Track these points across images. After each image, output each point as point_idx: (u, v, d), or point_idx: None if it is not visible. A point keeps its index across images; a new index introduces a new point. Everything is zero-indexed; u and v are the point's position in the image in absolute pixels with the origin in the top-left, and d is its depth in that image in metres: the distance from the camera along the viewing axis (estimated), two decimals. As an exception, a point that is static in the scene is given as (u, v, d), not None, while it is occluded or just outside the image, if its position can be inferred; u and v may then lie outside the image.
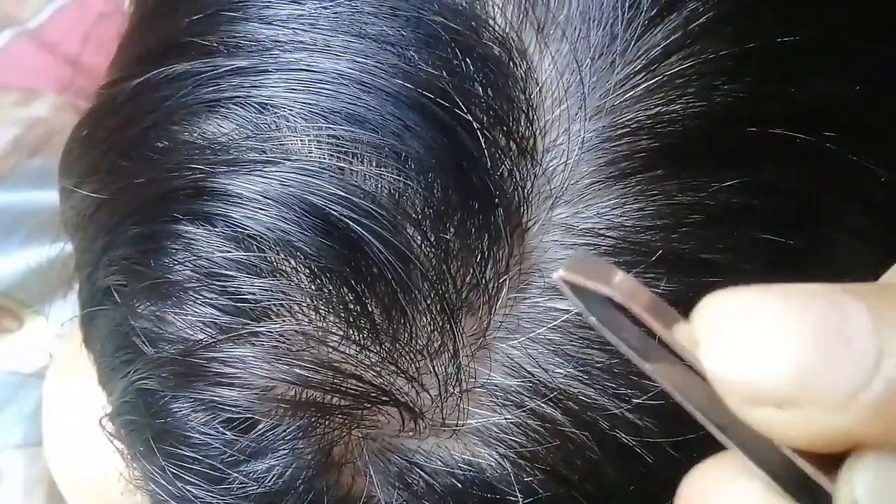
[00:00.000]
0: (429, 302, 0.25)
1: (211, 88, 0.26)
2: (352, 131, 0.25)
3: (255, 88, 0.25)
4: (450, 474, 0.26)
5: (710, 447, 0.25)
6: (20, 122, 0.56)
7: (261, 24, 0.26)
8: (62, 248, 0.51)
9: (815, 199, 0.26)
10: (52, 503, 0.50)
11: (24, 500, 0.50)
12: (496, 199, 0.24)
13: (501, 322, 0.25)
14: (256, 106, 0.25)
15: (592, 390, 0.25)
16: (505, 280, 0.25)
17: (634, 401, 0.25)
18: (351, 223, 0.24)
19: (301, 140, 0.25)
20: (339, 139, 0.25)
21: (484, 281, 0.25)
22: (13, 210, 0.52)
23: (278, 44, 0.26)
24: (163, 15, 0.29)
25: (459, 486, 0.26)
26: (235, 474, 0.26)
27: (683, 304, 0.24)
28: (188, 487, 0.26)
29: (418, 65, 0.25)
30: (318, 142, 0.25)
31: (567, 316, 0.25)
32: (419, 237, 0.25)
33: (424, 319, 0.25)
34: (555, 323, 0.25)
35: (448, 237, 0.25)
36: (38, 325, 0.53)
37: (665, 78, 0.25)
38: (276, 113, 0.25)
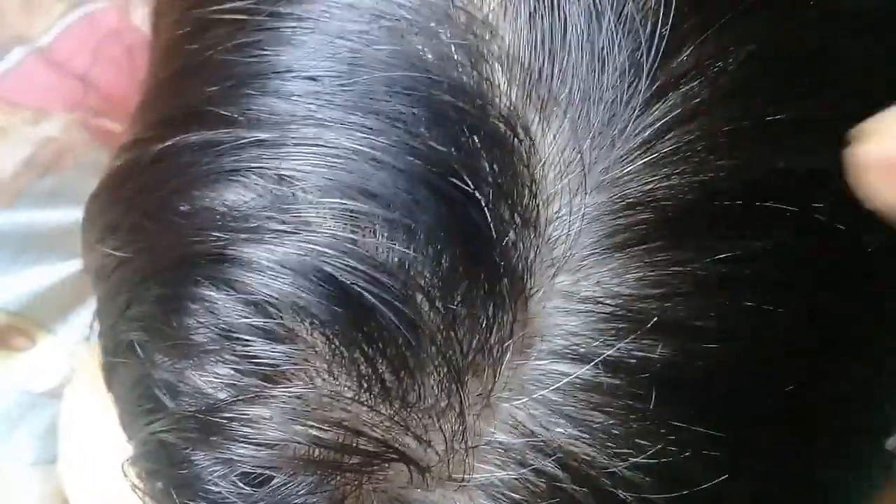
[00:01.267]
0: (436, 364, 0.26)
1: (232, 158, 0.27)
2: (365, 205, 0.26)
3: (274, 160, 0.27)
4: None
5: (702, 501, 0.26)
6: (31, 142, 0.57)
7: (278, 98, 0.27)
8: (74, 267, 0.52)
9: (804, 267, 0.27)
10: (63, 520, 0.51)
11: (37, 518, 0.51)
12: (501, 269, 0.26)
13: (505, 384, 0.27)
14: (275, 177, 0.27)
15: (592, 449, 0.26)
16: (509, 345, 0.26)
17: (632, 459, 0.26)
18: (363, 291, 0.26)
19: (317, 211, 0.26)
20: (352, 212, 0.26)
21: (489, 345, 0.26)
22: (25, 229, 0.53)
23: (295, 118, 0.27)
24: (185, 81, 0.30)
25: None
26: None
27: (677, 371, 0.26)
28: None
29: (428, 142, 0.26)
30: (333, 214, 0.26)
31: (568, 379, 0.26)
32: (427, 305, 0.26)
33: (432, 381, 0.26)
34: (556, 385, 0.26)
35: (455, 305, 0.26)
36: (50, 344, 0.53)
37: (662, 154, 0.26)
38: (293, 185, 0.27)
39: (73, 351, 0.51)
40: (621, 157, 0.26)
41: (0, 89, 0.58)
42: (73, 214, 0.53)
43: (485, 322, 0.26)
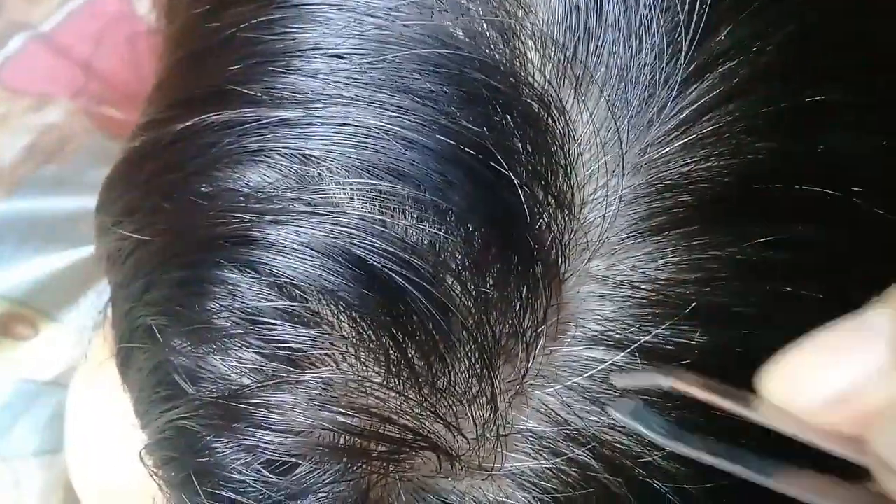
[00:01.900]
0: (467, 349, 0.25)
1: (256, 138, 0.27)
2: (394, 185, 0.25)
3: (299, 140, 0.26)
4: None
5: (740, 493, 0.26)
6: (34, 129, 0.56)
7: (305, 76, 0.26)
8: (78, 254, 0.52)
9: (844, 253, 0.27)
10: (67, 511, 0.50)
11: (40, 508, 0.50)
12: (535, 252, 0.25)
13: (538, 370, 0.26)
14: (301, 157, 0.26)
15: (626, 438, 0.26)
16: (542, 330, 0.26)
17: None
18: (393, 274, 0.25)
19: (345, 192, 0.26)
20: (381, 193, 0.25)
21: (521, 330, 0.26)
22: (27, 217, 0.52)
23: (322, 97, 0.26)
24: (205, 60, 0.29)
25: None
26: None
27: (716, 357, 0.25)
28: None
29: (460, 121, 0.25)
30: (361, 195, 0.26)
31: (603, 365, 0.26)
32: (459, 288, 0.25)
33: (463, 366, 0.26)
34: (590, 372, 0.26)
35: (487, 288, 0.25)
36: (53, 332, 0.53)
37: (700, 136, 0.25)
38: (320, 165, 0.26)
39: (79, 339, 0.51)
40: (659, 138, 0.25)
41: (0, 76, 0.57)
42: (76, 202, 0.53)
43: (518, 306, 0.25)
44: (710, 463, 0.21)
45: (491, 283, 0.25)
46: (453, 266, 0.25)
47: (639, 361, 0.25)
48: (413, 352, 0.25)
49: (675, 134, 0.25)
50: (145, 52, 0.60)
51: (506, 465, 0.26)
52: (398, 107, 0.26)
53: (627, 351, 0.25)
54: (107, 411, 0.35)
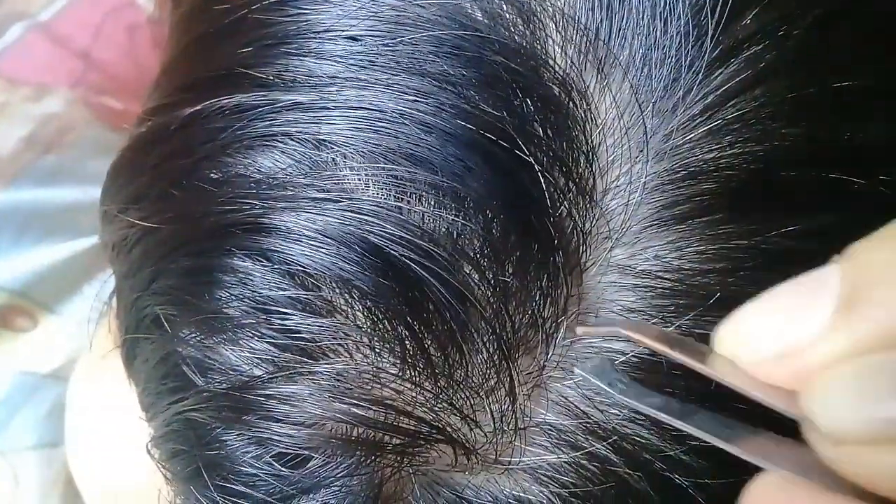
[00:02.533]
0: (485, 340, 0.25)
1: (268, 122, 0.26)
2: (411, 171, 0.25)
3: (312, 125, 0.25)
4: None
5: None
6: (33, 119, 0.56)
7: (318, 59, 0.26)
8: (77, 246, 0.51)
9: None
10: (67, 505, 0.50)
11: (40, 502, 0.50)
12: (555, 240, 0.25)
13: (558, 362, 0.25)
14: (315, 142, 0.25)
15: (647, 431, 0.25)
16: (562, 320, 0.25)
17: (689, 442, 0.25)
18: (410, 262, 0.24)
19: (360, 178, 0.25)
20: (398, 178, 0.25)
21: (541, 321, 0.25)
22: (26, 208, 0.52)
23: (337, 80, 0.25)
24: (215, 42, 0.28)
25: None
26: None
27: None
28: None
29: (479, 105, 0.25)
30: (377, 181, 0.25)
31: (624, 357, 0.25)
32: (477, 276, 0.25)
33: (481, 357, 0.25)
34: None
35: (506, 277, 0.25)
36: (53, 324, 0.52)
37: (725, 121, 0.25)
38: (334, 150, 0.25)
39: (79, 332, 0.50)
40: (683, 123, 0.25)
41: (-1, 65, 0.56)
42: (75, 193, 0.52)
43: (537, 296, 0.25)
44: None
45: (510, 271, 0.25)
46: (471, 254, 0.25)
47: (660, 357, 0.25)
48: (429, 342, 0.25)
49: (700, 119, 0.25)
50: (145, 42, 0.60)
51: (523, 458, 0.26)
52: (415, 90, 0.25)
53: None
54: (109, 405, 0.34)
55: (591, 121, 0.25)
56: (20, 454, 0.50)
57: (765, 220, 0.25)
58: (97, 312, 0.36)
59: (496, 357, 0.25)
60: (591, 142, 0.25)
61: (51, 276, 0.51)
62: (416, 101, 0.25)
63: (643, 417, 0.25)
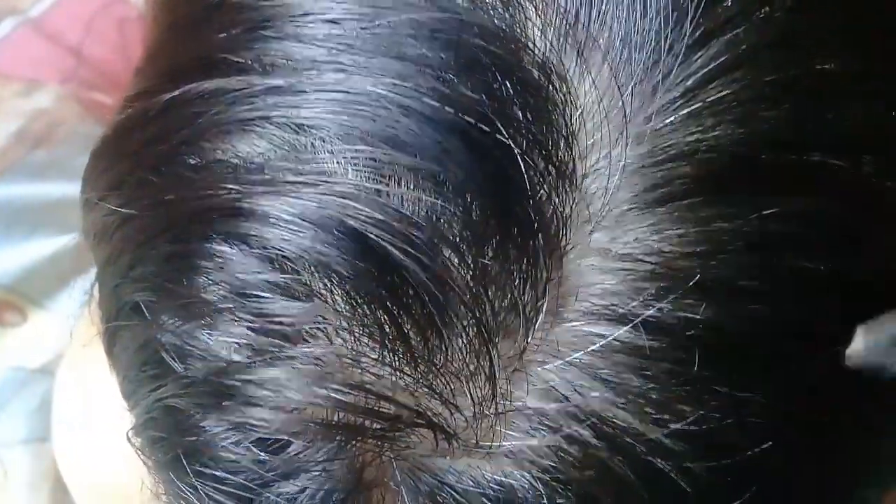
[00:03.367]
0: (465, 324, 0.25)
1: (246, 107, 0.26)
2: (390, 154, 0.24)
3: (291, 109, 0.25)
4: (481, 494, 0.26)
5: (743, 470, 0.25)
6: (22, 114, 0.56)
7: (297, 43, 0.26)
8: (67, 241, 0.51)
9: (852, 226, 0.26)
10: (57, 500, 0.50)
11: (29, 497, 0.50)
12: (535, 224, 0.24)
13: (538, 346, 0.25)
14: (293, 126, 0.25)
15: (629, 415, 0.25)
16: (542, 304, 0.25)
17: (671, 426, 0.25)
18: (388, 245, 0.24)
19: (338, 161, 0.25)
20: (376, 162, 0.25)
21: (521, 305, 0.25)
22: (16, 203, 0.52)
23: (315, 64, 0.25)
24: (194, 28, 0.28)
25: None
26: (266, 495, 0.26)
27: (722, 332, 0.24)
28: None
29: (458, 89, 0.24)
30: (356, 164, 0.25)
31: (605, 340, 0.25)
32: (456, 260, 0.24)
33: (460, 342, 0.25)
34: (592, 347, 0.25)
35: (486, 261, 0.24)
36: (42, 319, 0.52)
37: (705, 104, 0.25)
38: (312, 134, 0.25)
39: (68, 327, 0.50)
40: (663, 106, 0.25)
41: (-10, 61, 0.56)
42: (65, 189, 0.52)
43: (517, 280, 0.25)
44: None
45: (490, 255, 0.24)
46: (451, 237, 0.24)
47: (641, 337, 0.25)
48: (409, 326, 0.25)
49: (680, 102, 0.25)
50: (136, 37, 0.59)
51: (504, 443, 0.25)
52: (394, 73, 0.25)
53: (630, 326, 0.25)
54: (92, 395, 0.34)
55: (571, 104, 0.25)
56: (10, 448, 0.50)
57: (745, 203, 0.25)
58: (84, 306, 0.36)
59: (476, 341, 0.25)
60: (571, 125, 0.25)
61: (40, 271, 0.51)
62: (394, 84, 0.25)
63: (624, 401, 0.25)
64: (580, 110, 0.25)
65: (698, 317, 0.25)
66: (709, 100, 0.25)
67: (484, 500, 0.26)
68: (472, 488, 0.26)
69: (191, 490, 0.26)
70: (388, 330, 0.25)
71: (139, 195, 0.28)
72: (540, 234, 0.24)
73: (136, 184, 0.29)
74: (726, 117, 0.25)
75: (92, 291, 0.33)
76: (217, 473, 0.26)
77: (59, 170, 0.54)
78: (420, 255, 0.24)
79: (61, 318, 0.51)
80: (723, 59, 0.25)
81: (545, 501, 0.26)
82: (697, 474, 0.25)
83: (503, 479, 0.26)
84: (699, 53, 0.25)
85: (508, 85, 0.24)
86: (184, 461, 0.26)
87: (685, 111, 0.25)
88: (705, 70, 0.25)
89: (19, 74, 0.57)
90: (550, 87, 0.25)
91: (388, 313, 0.25)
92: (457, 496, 0.26)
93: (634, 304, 0.25)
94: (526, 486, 0.26)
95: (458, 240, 0.24)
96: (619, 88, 0.24)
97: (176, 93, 0.27)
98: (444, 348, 0.25)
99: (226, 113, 0.26)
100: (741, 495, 0.26)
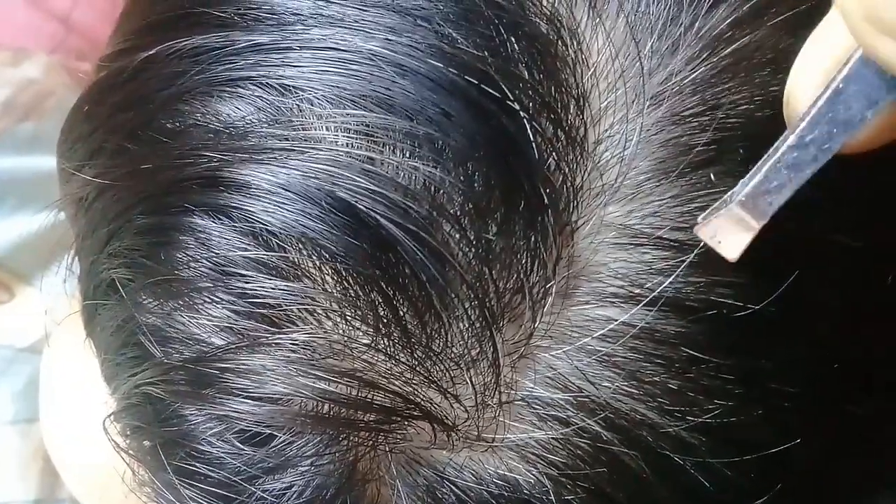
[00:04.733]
0: (467, 307, 0.23)
1: (226, 66, 0.24)
2: (384, 118, 0.22)
3: (275, 68, 0.23)
4: (483, 490, 0.24)
5: (767, 467, 0.23)
6: (10, 84, 0.54)
7: None
8: (55, 215, 0.49)
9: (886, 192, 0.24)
10: (46, 481, 0.48)
11: (18, 478, 0.48)
12: (544, 197, 0.22)
13: (546, 330, 0.23)
14: (278, 87, 0.23)
15: (644, 406, 0.23)
16: (552, 286, 0.23)
17: (689, 419, 0.23)
18: (382, 220, 0.22)
19: (327, 126, 0.23)
20: (369, 126, 0.22)
21: (528, 285, 0.23)
22: (3, 176, 0.50)
23: (301, 18, 0.23)
24: None
25: (494, 502, 0.24)
26: (250, 491, 0.24)
27: (748, 313, 0.22)
28: None
29: (458, 44, 0.22)
30: (346, 129, 0.23)
31: (619, 325, 0.23)
32: (458, 236, 0.22)
33: (461, 326, 0.23)
34: (605, 332, 0.23)
35: (490, 236, 0.22)
36: (30, 296, 0.51)
37: (730, 61, 0.23)
38: (299, 96, 0.23)
39: (51, 305, 0.49)
40: (684, 64, 0.23)
41: (-23, 29, 0.55)
42: (54, 162, 0.50)
43: (524, 258, 0.22)
44: None
45: (494, 230, 0.22)
46: (451, 211, 0.22)
47: (659, 320, 0.22)
48: (405, 309, 0.23)
49: (702, 58, 0.23)
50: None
51: (508, 435, 0.23)
52: (388, 28, 0.23)
53: (646, 308, 0.22)
54: (78, 375, 0.32)
55: (583, 62, 0.23)
56: (-3, 428, 0.48)
57: None
58: (70, 284, 0.34)
59: (478, 325, 0.23)
60: (583, 86, 0.22)
61: (28, 246, 0.50)
62: (387, 39, 0.22)
63: (639, 391, 0.23)
64: (592, 69, 0.23)
65: (722, 298, 0.23)
66: (733, 57, 0.23)
67: (486, 496, 0.24)
68: (473, 483, 0.24)
69: (168, 486, 0.24)
70: (382, 313, 0.23)
71: (115, 164, 0.26)
72: (549, 209, 0.22)
73: (112, 152, 0.26)
74: (752, 76, 0.23)
75: (72, 267, 0.31)
76: (196, 467, 0.24)
77: (47, 143, 0.51)
78: (417, 229, 0.22)
79: (50, 296, 0.50)
80: (748, 8, 0.23)
81: (552, 498, 0.24)
82: (718, 471, 0.23)
83: (507, 473, 0.24)
84: (723, 4, 0.23)
85: (513, 40, 0.22)
86: (161, 454, 0.24)
87: (706, 69, 0.23)
88: (729, 22, 0.23)
89: (6, 43, 0.56)
90: (560, 43, 0.22)
91: (382, 294, 0.23)
92: (457, 491, 0.24)
93: (651, 284, 0.23)
94: (532, 481, 0.24)
95: (458, 213, 0.22)
96: (636, 44, 0.22)
97: (152, 51, 0.25)
98: (443, 333, 0.23)
99: (206, 73, 0.24)
100: (764, 494, 0.24)
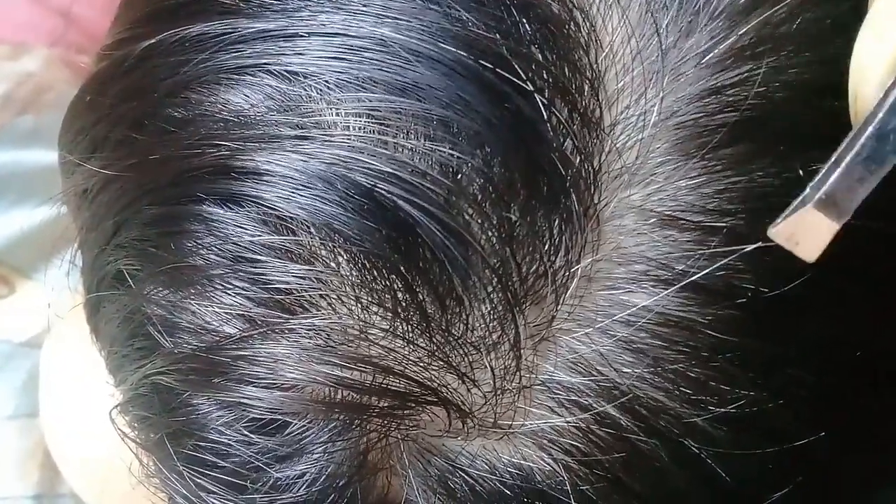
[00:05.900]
0: (489, 290, 0.22)
1: (234, 54, 0.23)
2: (397, 102, 0.22)
3: (284, 55, 0.23)
4: (497, 479, 0.24)
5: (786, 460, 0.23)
6: (9, 78, 0.54)
7: None
8: (56, 210, 0.49)
9: None
10: (46, 476, 0.48)
11: (17, 474, 0.48)
12: (566, 178, 0.22)
13: (570, 313, 0.23)
14: (287, 75, 0.23)
15: (666, 394, 0.23)
16: (577, 268, 0.22)
17: (711, 408, 0.23)
18: (400, 202, 0.22)
19: (339, 112, 0.22)
20: (382, 111, 0.22)
21: (552, 269, 0.22)
22: (2, 170, 0.50)
23: (309, 4, 0.23)
24: None
25: (507, 492, 0.24)
26: (261, 481, 0.23)
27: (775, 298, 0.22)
28: (208, 495, 0.24)
29: (469, 26, 0.22)
30: (359, 115, 0.22)
31: (642, 309, 0.22)
32: (479, 218, 0.22)
33: (483, 309, 0.22)
34: (629, 316, 0.22)
35: (513, 218, 0.22)
36: (30, 291, 0.50)
37: (752, 39, 0.22)
38: (309, 83, 0.23)
39: (52, 298, 0.48)
40: (702, 41, 0.22)
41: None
42: (54, 156, 0.50)
43: (548, 240, 0.22)
44: None
45: (516, 212, 0.22)
46: (471, 193, 0.22)
47: (683, 305, 0.22)
48: (425, 293, 0.22)
49: (722, 37, 0.22)
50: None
51: (525, 421, 0.23)
52: (396, 11, 0.22)
53: (670, 293, 0.22)
54: (79, 369, 0.32)
55: (596, 42, 0.22)
56: (-3, 423, 0.48)
57: (795, 155, 0.22)
58: (73, 278, 0.33)
59: (500, 308, 0.22)
60: (597, 67, 0.22)
61: (27, 240, 0.49)
62: (397, 23, 0.22)
63: (661, 378, 0.23)
64: (606, 50, 0.22)
65: (747, 283, 0.22)
66: (754, 35, 0.22)
67: (499, 485, 0.24)
68: (486, 473, 0.24)
69: (177, 476, 0.24)
70: (400, 297, 0.22)
71: (121, 154, 0.26)
72: (572, 191, 0.22)
73: (117, 142, 0.26)
74: (778, 54, 0.22)
75: (74, 260, 0.30)
76: (206, 457, 0.24)
77: (47, 135, 0.51)
78: (437, 210, 0.22)
79: (49, 290, 0.49)
80: None
81: (567, 488, 0.23)
82: (738, 462, 0.23)
83: (522, 462, 0.24)
84: None
85: (525, 21, 0.22)
86: (168, 444, 0.24)
87: (728, 47, 0.22)
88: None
89: (6, 37, 0.55)
90: (572, 23, 0.22)
91: (401, 278, 0.22)
92: (469, 481, 0.24)
93: (677, 268, 0.22)
94: (546, 469, 0.23)
95: (479, 196, 0.22)
96: (654, 21, 0.22)
97: (154, 39, 0.25)
98: (464, 316, 0.22)
99: (212, 61, 0.24)
100: (784, 486, 0.24)
